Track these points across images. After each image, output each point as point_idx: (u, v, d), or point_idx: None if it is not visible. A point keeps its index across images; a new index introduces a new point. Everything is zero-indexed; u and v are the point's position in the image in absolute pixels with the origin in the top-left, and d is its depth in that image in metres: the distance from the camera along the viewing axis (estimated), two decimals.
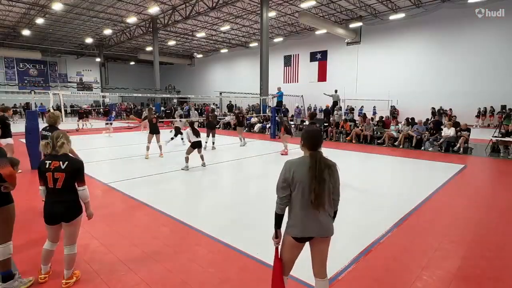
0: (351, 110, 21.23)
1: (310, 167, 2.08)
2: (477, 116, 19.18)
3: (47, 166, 2.73)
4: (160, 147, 9.43)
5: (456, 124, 11.18)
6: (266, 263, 3.22)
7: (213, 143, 11.19)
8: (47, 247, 2.87)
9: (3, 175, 2.63)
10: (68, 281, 2.83)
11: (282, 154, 9.87)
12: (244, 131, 17.55)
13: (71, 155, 4.89)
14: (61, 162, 2.74)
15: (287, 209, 2.23)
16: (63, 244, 2.84)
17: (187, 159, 7.62)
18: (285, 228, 2.25)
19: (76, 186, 2.82)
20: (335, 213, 2.27)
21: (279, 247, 2.30)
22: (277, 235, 2.25)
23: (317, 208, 2.07)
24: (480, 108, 19.23)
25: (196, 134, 7.68)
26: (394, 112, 20.89)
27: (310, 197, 2.05)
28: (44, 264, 2.90)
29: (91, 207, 3.00)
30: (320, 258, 2.25)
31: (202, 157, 7.92)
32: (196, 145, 7.71)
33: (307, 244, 2.25)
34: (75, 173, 2.77)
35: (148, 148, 9.15)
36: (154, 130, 9.28)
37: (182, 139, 12.04)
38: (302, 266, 2.41)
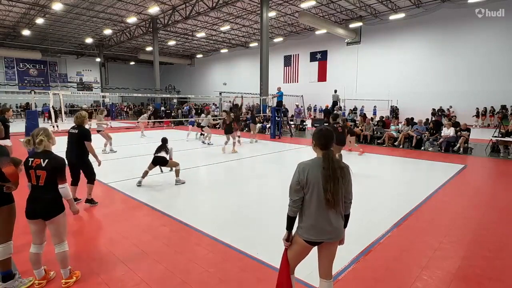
0: (353, 110, 21.27)
1: (324, 167, 2.07)
2: (476, 116, 19.19)
3: (29, 164, 2.73)
4: (233, 143, 10.44)
5: (456, 124, 11.19)
6: (266, 263, 3.22)
7: (238, 137, 11.72)
8: (33, 250, 2.79)
9: (5, 174, 2.63)
10: (68, 280, 2.83)
11: (359, 155, 9.97)
12: (245, 131, 17.59)
13: (90, 153, 4.84)
14: (41, 160, 2.72)
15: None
16: (52, 243, 2.82)
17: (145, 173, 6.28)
18: (296, 228, 2.24)
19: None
20: (347, 217, 2.26)
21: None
22: (288, 238, 2.25)
23: (332, 207, 2.07)
24: (478, 108, 19.24)
25: (159, 150, 6.21)
26: (396, 112, 20.92)
27: (325, 196, 2.05)
28: (36, 269, 2.81)
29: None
30: (328, 260, 2.25)
31: (176, 172, 6.34)
32: (157, 162, 6.17)
33: None
34: (55, 171, 2.74)
35: (233, 143, 10.34)
36: (228, 131, 10.40)
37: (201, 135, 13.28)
38: (301, 265, 2.40)
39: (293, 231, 2.27)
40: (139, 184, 6.25)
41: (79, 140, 4.81)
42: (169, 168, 6.55)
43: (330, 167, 2.07)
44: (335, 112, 17.31)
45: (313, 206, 2.10)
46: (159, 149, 6.26)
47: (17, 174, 2.73)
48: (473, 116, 19.09)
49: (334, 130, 7.48)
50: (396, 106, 22.03)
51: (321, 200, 2.07)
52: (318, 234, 2.13)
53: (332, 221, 2.11)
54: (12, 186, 2.71)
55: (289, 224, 2.21)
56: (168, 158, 6.27)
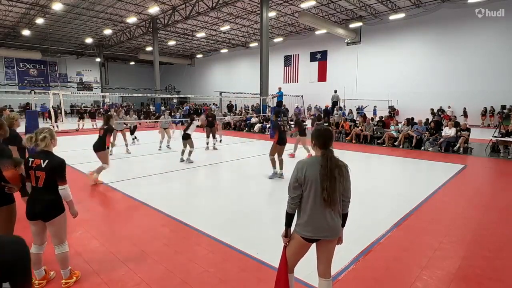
0: (360, 108, 21.23)
1: (322, 166, 2.10)
2: (464, 116, 18.96)
3: (30, 164, 2.70)
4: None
5: (456, 124, 11.19)
6: (266, 263, 3.23)
7: (214, 143, 11.29)
8: (33, 251, 2.78)
9: (6, 177, 2.63)
10: (68, 280, 2.83)
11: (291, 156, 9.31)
12: (245, 131, 17.60)
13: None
14: (41, 161, 2.69)
15: None
16: (52, 244, 2.82)
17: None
18: (294, 225, 2.27)
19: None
20: (345, 216, 2.28)
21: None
22: (287, 234, 2.27)
23: (329, 206, 2.10)
24: (465, 108, 19.19)
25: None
26: (391, 112, 20.87)
27: (322, 195, 2.07)
28: (36, 269, 2.80)
29: (76, 206, 2.96)
30: (327, 259, 2.27)
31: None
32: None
33: None
34: (54, 172, 2.70)
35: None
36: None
37: (134, 138, 12.08)
38: (301, 265, 2.41)
39: (292, 228, 2.29)
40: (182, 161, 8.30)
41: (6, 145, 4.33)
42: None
43: (327, 166, 2.10)
44: (334, 111, 17.34)
45: (310, 203, 2.13)
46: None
47: (18, 176, 2.72)
48: (460, 115, 18.92)
49: (278, 127, 6.74)
50: (392, 106, 21.98)
51: (318, 198, 2.10)
52: (315, 231, 2.15)
53: (329, 219, 2.14)
54: (14, 187, 2.71)
55: (287, 220, 2.24)
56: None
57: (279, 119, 7.05)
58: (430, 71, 21.33)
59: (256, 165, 8.83)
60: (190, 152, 8.46)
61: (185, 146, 8.46)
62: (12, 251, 0.98)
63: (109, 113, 8.11)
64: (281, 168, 6.94)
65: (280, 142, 6.84)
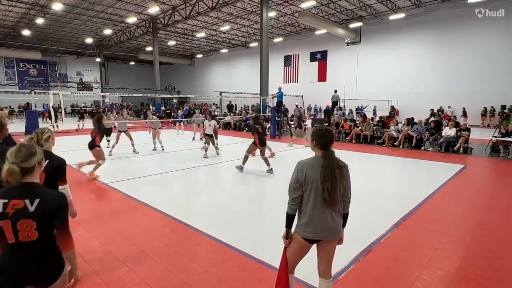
0: (360, 108, 21.24)
1: (323, 166, 2.09)
2: (464, 116, 18.90)
3: None
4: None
5: (456, 124, 11.19)
6: (266, 263, 3.22)
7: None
8: None
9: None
10: None
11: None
12: (245, 131, 17.60)
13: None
14: None
15: None
16: None
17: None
18: (294, 226, 2.26)
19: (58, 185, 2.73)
20: (345, 216, 2.28)
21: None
22: (287, 235, 2.27)
23: (330, 207, 2.09)
24: (465, 108, 19.18)
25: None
26: (391, 112, 20.86)
27: (323, 195, 2.07)
28: None
29: (75, 207, 2.94)
30: (327, 259, 2.26)
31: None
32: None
33: None
34: (55, 172, 2.67)
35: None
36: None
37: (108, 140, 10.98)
38: (301, 265, 2.40)
39: (293, 229, 2.28)
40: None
41: None
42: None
43: (329, 166, 2.09)
44: (334, 111, 17.34)
45: (311, 204, 2.12)
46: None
47: None
48: (461, 116, 18.90)
49: (256, 131, 7.37)
50: (393, 106, 22.00)
51: (319, 198, 2.09)
52: (316, 231, 2.15)
53: (330, 219, 2.13)
54: None
55: (288, 221, 2.22)
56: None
57: (257, 125, 7.64)
58: (430, 71, 21.34)
59: (256, 165, 8.82)
60: (216, 146, 9.73)
61: (208, 143, 9.38)
62: (57, 198, 1.71)
63: (99, 114, 8.10)
64: (268, 165, 7.43)
65: (260, 143, 7.58)
